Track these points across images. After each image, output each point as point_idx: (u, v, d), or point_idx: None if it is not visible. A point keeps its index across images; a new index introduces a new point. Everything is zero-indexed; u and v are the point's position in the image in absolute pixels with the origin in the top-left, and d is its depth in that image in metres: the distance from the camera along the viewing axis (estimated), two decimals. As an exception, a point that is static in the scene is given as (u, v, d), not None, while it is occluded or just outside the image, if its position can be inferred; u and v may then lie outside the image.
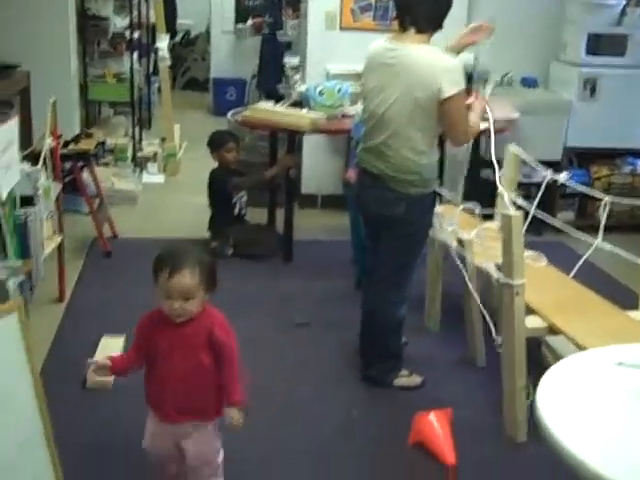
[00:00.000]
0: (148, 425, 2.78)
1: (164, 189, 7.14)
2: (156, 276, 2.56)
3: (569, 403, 2.11)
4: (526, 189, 5.36)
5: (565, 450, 1.90)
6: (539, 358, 3.76)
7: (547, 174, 4.17)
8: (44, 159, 4.23)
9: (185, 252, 2.59)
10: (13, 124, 3.80)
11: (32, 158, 4.30)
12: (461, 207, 4.08)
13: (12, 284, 3.26)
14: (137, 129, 7.69)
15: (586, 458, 1.86)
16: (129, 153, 7.17)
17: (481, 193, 4.93)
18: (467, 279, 3.98)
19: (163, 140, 7.66)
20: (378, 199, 3.63)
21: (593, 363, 2.36)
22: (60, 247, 4.63)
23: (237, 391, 2.61)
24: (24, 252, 3.90)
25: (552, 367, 2.32)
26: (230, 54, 10.42)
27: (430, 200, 3.68)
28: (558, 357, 3.32)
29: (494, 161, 3.78)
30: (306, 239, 5.71)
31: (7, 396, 2.70)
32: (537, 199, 4.19)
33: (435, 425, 3.34)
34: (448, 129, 3.48)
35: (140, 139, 7.82)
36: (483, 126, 3.81)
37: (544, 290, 3.75)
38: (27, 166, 4.04)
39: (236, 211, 5.62)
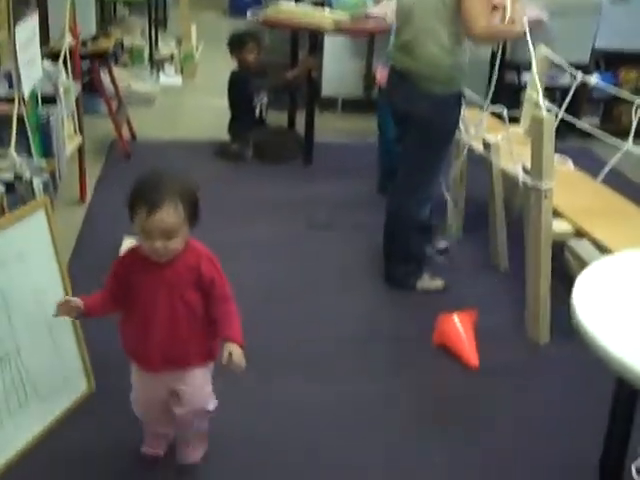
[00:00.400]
0: (133, 378, 2.54)
1: (182, 91, 7.05)
2: (132, 213, 2.25)
3: (605, 303, 2.10)
4: (550, 93, 5.25)
5: (603, 348, 1.90)
6: (562, 263, 3.74)
7: (578, 76, 4.07)
8: (64, 58, 4.15)
9: (165, 184, 2.24)
10: (33, 21, 3.71)
11: (51, 57, 4.23)
12: (487, 110, 4.00)
13: (37, 183, 3.24)
14: (153, 30, 7.54)
15: (625, 355, 1.86)
16: (145, 54, 7.06)
17: (506, 97, 4.84)
18: (492, 182, 3.94)
19: (179, 41, 7.53)
20: (405, 96, 3.60)
21: (625, 265, 2.34)
22: (81, 148, 4.60)
23: (235, 328, 2.33)
24: (46, 151, 3.87)
25: (583, 270, 2.30)
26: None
27: (455, 101, 3.61)
28: (582, 262, 3.30)
29: (533, 62, 3.69)
30: (326, 142, 5.66)
31: (38, 293, 2.73)
32: (566, 102, 4.10)
33: (459, 327, 3.36)
34: (464, 22, 3.38)
35: (156, 40, 7.68)
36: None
37: (570, 194, 3.71)
38: (47, 64, 3.96)
39: (256, 113, 5.54)
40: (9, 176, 3.17)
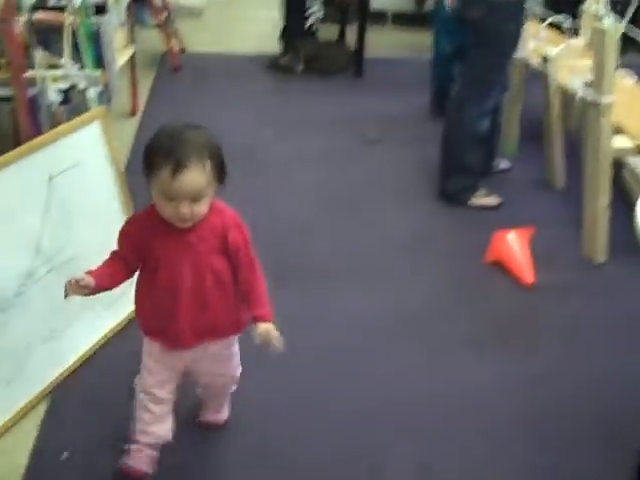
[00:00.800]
0: (148, 360, 2.20)
1: (230, 3, 6.94)
2: (151, 173, 1.94)
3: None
4: (611, 4, 5.05)
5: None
6: (619, 181, 3.66)
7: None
8: (114, -35, 4.09)
9: (190, 138, 1.94)
10: None
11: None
12: (545, 22, 3.88)
13: (92, 93, 3.23)
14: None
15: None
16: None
17: (565, 7, 4.67)
18: (549, 98, 3.85)
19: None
20: (467, 2, 3.53)
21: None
22: (132, 60, 4.57)
23: (265, 303, 2.11)
24: (98, 62, 3.84)
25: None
26: None
27: (514, 9, 3.50)
28: (640, 180, 3.24)
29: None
30: (377, 57, 5.56)
31: (96, 202, 2.74)
32: (628, 13, 3.95)
33: (514, 244, 3.33)
34: None
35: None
36: None
37: (631, 110, 3.60)
38: (97, -27, 3.91)
39: (309, 26, 5.45)
40: (64, 86, 3.16)
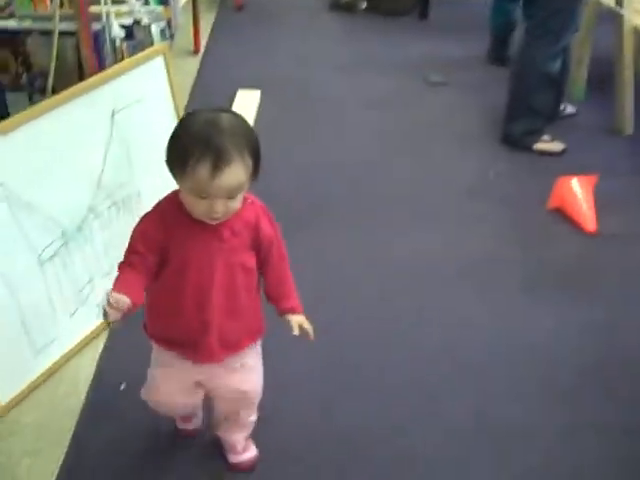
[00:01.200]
0: (157, 371, 1.98)
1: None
2: (180, 166, 1.64)
3: None
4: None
5: None
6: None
7: None
8: None
9: (229, 127, 1.65)
10: None
11: None
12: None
13: (155, 29, 3.23)
14: None
15: None
16: None
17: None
18: (621, 40, 3.72)
19: None
20: None
21: None
22: (194, -3, 4.55)
23: (295, 295, 1.94)
24: (161, -1, 3.85)
25: None
26: None
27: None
28: None
29: None
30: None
31: (157, 138, 2.75)
32: None
33: (577, 190, 3.26)
34: None
35: None
36: None
37: None
38: None
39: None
40: (128, 21, 3.16)
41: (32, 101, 3.21)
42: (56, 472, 2.10)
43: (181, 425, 2.21)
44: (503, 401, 2.39)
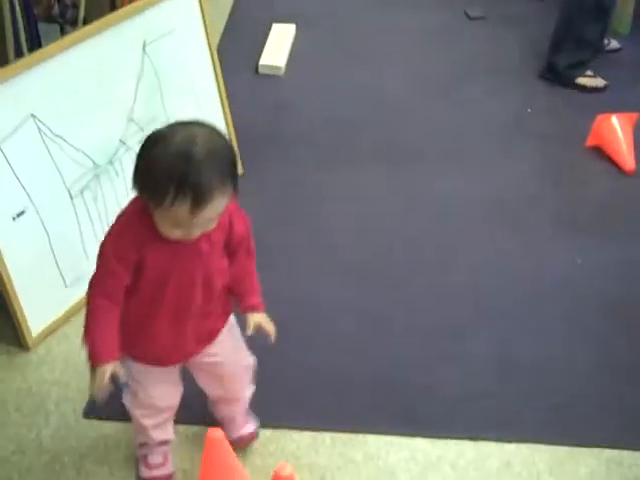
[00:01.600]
0: (138, 377, 1.82)
1: None
2: (157, 201, 1.49)
3: None
4: None
5: None
6: None
7: None
8: None
9: (207, 154, 1.47)
10: None
11: None
12: None
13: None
14: None
15: None
16: None
17: None
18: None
19: None
20: None
21: None
22: None
23: (258, 291, 1.84)
24: None
25: None
26: None
27: None
28: None
29: None
30: None
31: (189, 71, 2.73)
32: None
33: (617, 128, 3.18)
34: None
35: None
36: None
37: None
38: None
39: None
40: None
41: (63, 32, 3.19)
42: (83, 404, 2.14)
43: (156, 472, 1.97)
44: (527, 340, 2.39)
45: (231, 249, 1.75)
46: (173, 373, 1.87)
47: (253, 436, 2.05)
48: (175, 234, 1.56)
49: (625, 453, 2.06)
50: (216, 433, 1.77)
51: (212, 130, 1.55)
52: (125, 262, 1.61)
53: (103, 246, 1.64)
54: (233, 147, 1.60)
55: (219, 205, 1.52)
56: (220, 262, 1.73)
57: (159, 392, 1.85)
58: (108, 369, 1.61)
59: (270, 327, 1.82)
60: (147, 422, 1.89)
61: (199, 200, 1.47)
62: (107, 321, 1.65)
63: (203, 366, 1.88)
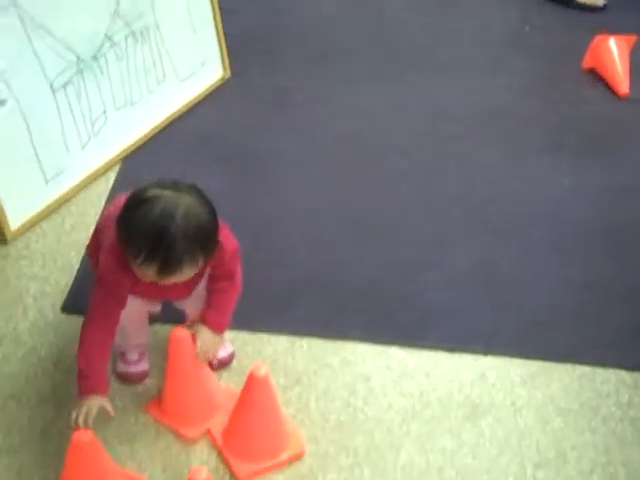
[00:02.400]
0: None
1: None
2: (132, 254, 1.59)
3: None
4: None
5: None
6: None
7: None
8: None
9: (184, 231, 1.55)
10: None
11: None
12: None
13: None
14: None
15: None
16: None
17: None
18: None
19: None
20: None
21: None
22: None
23: (226, 318, 1.85)
24: None
25: None
26: None
27: None
28: None
29: None
30: None
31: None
32: None
33: (614, 50, 3.13)
34: None
35: None
36: None
37: None
38: None
39: None
40: None
41: None
42: (62, 299, 2.13)
43: (132, 368, 1.99)
44: (511, 254, 2.38)
45: (216, 273, 1.80)
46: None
47: (231, 357, 2.03)
48: (149, 278, 1.63)
49: (598, 370, 2.07)
50: (181, 332, 1.76)
51: (197, 201, 1.60)
52: (123, 289, 1.72)
53: (104, 269, 1.70)
54: (215, 219, 1.64)
55: (186, 274, 1.62)
56: (202, 278, 1.79)
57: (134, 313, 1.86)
58: (95, 406, 1.67)
59: (208, 348, 1.79)
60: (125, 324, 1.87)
61: (165, 270, 1.58)
62: (100, 353, 1.72)
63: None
